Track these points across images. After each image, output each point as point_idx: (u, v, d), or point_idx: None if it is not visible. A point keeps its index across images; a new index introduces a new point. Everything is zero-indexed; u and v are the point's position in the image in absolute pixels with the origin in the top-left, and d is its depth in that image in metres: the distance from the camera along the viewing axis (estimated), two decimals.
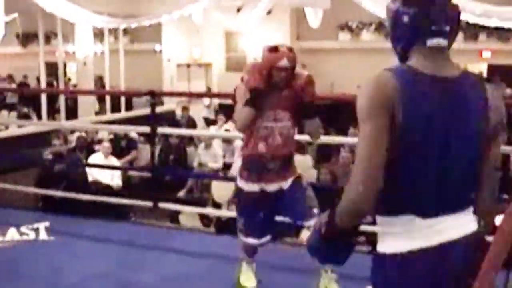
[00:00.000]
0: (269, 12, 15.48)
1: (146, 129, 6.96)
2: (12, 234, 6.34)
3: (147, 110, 7.59)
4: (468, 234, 2.30)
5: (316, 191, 4.50)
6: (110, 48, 17.27)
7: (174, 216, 8.64)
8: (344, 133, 12.55)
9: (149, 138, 7.82)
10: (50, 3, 12.80)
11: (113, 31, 17.63)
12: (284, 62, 4.23)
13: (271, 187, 4.43)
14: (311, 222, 4.26)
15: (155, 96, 6.86)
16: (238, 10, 15.61)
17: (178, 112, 16.29)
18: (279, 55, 4.25)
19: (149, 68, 19.65)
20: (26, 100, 17.76)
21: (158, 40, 19.37)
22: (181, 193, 10.31)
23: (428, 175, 2.24)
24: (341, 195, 2.21)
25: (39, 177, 9.77)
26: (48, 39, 17.84)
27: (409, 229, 2.27)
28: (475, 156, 2.31)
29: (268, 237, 4.57)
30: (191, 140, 12.47)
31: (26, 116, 16.41)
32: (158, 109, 9.53)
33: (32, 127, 13.50)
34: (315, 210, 4.34)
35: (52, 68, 17.17)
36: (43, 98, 15.26)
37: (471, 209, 2.35)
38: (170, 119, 14.95)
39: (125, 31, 18.00)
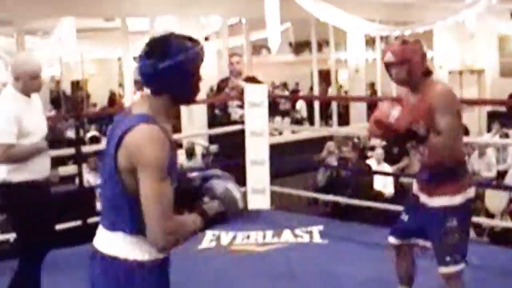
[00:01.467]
0: None
1: None
2: (287, 236, 6.56)
3: None
4: (101, 251, 2.56)
5: None
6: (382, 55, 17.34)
7: None
8: None
9: None
10: (324, 12, 13.09)
11: (385, 38, 17.67)
12: (387, 57, 3.78)
13: (422, 197, 4.02)
14: (444, 270, 3.91)
15: None
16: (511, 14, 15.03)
17: None
18: (384, 50, 3.86)
19: None
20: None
21: (429, 46, 19.11)
22: None
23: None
24: None
25: (327, 181, 10.13)
26: (319, 47, 18.25)
27: None
28: (108, 185, 2.53)
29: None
30: None
31: (298, 122, 16.91)
32: None
33: (304, 133, 13.89)
34: (448, 258, 3.87)
35: (323, 76, 17.55)
36: (316, 105, 15.66)
37: (116, 233, 2.53)
38: None
39: (396, 38, 17.97)
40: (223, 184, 2.60)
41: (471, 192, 3.91)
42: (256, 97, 7.13)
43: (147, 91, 2.54)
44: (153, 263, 2.54)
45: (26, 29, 11.67)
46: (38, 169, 4.42)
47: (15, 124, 4.26)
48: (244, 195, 7.36)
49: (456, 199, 3.82)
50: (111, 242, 2.55)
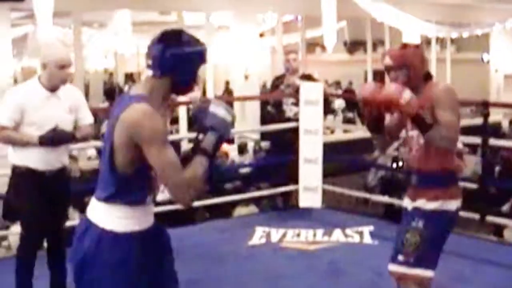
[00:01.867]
0: None
1: (476, 140, 6.81)
2: (337, 235, 6.54)
3: (471, 121, 7.43)
4: (89, 218, 2.83)
5: None
6: (436, 57, 17.16)
7: (498, 230, 8.34)
8: None
9: (475, 149, 7.65)
10: (380, 11, 13.02)
11: (440, 40, 17.51)
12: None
13: (405, 202, 3.91)
14: (392, 268, 3.76)
15: (488, 107, 6.69)
16: None
17: (504, 124, 15.75)
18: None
19: (475, 78, 19.22)
20: (352, 106, 18.20)
21: (485, 49, 18.87)
22: (505, 207, 9.92)
23: None
24: None
25: (379, 182, 10.10)
26: (374, 46, 18.14)
27: None
28: (103, 160, 2.79)
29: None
30: None
31: (350, 121, 16.83)
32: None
33: (356, 132, 13.83)
34: (400, 257, 3.72)
35: (377, 75, 17.44)
36: None
37: (100, 203, 2.79)
38: (495, 130, 14.50)
39: (451, 39, 17.79)
40: (206, 112, 2.75)
41: (451, 205, 3.74)
42: (312, 95, 7.12)
43: (149, 73, 2.76)
44: (132, 235, 2.80)
45: (83, 20, 11.80)
46: (38, 160, 4.47)
47: (17, 112, 4.38)
48: (296, 193, 7.37)
49: (431, 205, 3.71)
50: (97, 212, 2.82)
